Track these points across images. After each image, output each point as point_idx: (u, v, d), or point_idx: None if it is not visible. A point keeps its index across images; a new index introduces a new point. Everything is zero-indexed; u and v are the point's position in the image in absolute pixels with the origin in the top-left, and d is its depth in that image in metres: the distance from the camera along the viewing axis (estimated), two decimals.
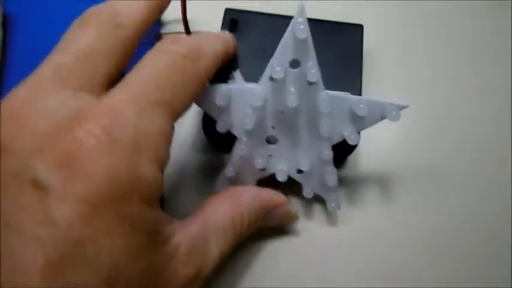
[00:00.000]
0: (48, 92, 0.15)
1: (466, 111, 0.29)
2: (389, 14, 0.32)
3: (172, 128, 0.17)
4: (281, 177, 0.22)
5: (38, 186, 0.13)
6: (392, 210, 0.25)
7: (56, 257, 0.13)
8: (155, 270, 0.16)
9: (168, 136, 0.16)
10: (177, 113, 0.17)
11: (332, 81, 0.21)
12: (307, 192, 0.23)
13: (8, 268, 0.13)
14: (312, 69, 0.19)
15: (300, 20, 0.18)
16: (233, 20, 0.26)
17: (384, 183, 0.26)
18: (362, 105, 0.20)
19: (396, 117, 0.20)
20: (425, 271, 0.24)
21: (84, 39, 0.17)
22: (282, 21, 0.20)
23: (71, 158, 0.14)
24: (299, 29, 0.18)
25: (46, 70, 0.16)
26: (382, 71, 0.29)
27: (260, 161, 0.22)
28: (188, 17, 0.26)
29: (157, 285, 0.16)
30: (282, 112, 0.21)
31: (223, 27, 0.26)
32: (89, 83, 0.16)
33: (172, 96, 0.17)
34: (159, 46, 0.18)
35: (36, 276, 0.13)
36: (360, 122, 0.21)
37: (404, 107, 0.20)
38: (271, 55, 0.20)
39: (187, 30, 0.26)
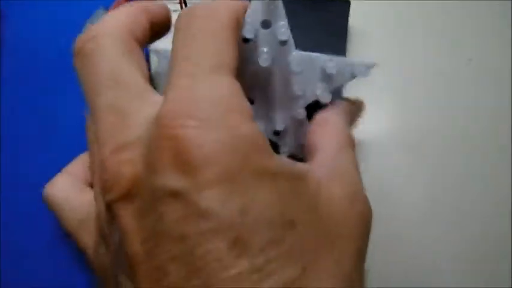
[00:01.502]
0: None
1: (451, 87, 0.29)
2: None
3: (238, 83, 0.17)
4: None
5: (175, 195, 0.14)
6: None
7: (231, 234, 0.13)
8: (315, 199, 0.16)
9: (238, 90, 0.16)
10: (232, 67, 0.17)
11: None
12: (284, 152, 0.24)
13: (200, 265, 0.13)
14: (282, 28, 0.20)
15: None
16: None
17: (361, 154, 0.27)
18: (331, 64, 0.21)
19: (365, 74, 0.21)
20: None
21: None
22: None
23: (183, 158, 0.14)
24: None
25: None
26: (368, 48, 0.30)
27: None
28: None
29: (327, 211, 0.16)
30: (257, 73, 0.22)
31: None
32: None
33: (215, 56, 0.17)
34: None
35: (228, 258, 0.13)
36: (330, 81, 0.21)
37: (372, 65, 0.21)
38: None
39: None
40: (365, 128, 0.27)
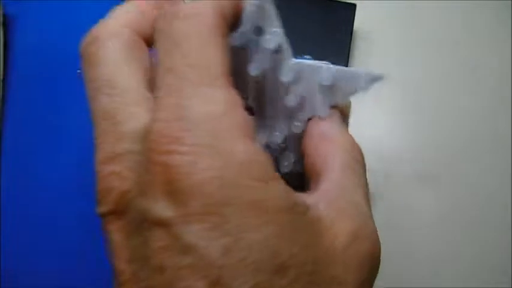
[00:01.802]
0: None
1: (457, 91, 0.28)
2: None
3: (233, 92, 0.15)
4: None
5: (160, 223, 0.13)
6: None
7: (211, 275, 0.12)
8: (314, 239, 0.14)
9: (233, 102, 0.15)
10: (224, 75, 0.15)
11: (318, 58, 0.20)
12: (284, 166, 0.22)
13: None
14: (273, 36, 0.18)
15: None
16: None
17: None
18: (328, 74, 0.19)
19: (367, 88, 0.18)
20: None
21: None
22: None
23: (172, 186, 0.13)
24: None
25: None
26: (373, 51, 0.29)
27: None
28: None
29: (326, 253, 0.14)
30: (256, 82, 0.20)
31: None
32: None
33: (203, 66, 0.15)
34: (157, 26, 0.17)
35: None
36: (330, 94, 0.19)
37: (378, 78, 0.19)
38: None
39: None
40: (366, 132, 0.26)
